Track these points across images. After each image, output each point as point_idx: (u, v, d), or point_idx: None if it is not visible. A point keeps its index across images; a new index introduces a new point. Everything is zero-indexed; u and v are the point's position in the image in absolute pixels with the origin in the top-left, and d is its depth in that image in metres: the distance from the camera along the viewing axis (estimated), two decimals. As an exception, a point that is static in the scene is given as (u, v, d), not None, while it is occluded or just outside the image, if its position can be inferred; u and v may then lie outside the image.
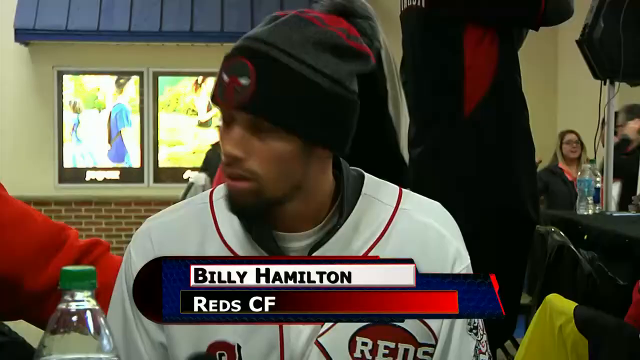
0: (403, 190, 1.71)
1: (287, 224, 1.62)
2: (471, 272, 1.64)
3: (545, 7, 3.30)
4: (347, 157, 1.67)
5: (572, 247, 3.89)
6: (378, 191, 1.67)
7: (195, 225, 1.66)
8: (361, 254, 1.60)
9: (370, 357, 1.59)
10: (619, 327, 2.87)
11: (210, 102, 1.61)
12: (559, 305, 3.00)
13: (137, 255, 1.66)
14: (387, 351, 1.59)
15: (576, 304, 2.96)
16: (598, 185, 4.68)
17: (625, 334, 2.81)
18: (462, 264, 1.64)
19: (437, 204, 1.73)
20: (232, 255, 1.61)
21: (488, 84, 3.34)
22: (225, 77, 1.54)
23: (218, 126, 1.60)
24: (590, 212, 4.62)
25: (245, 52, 1.54)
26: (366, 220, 1.63)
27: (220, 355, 1.61)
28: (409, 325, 1.59)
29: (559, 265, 3.88)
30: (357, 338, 1.59)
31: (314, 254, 1.59)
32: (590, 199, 4.64)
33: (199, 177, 9.70)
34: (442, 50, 3.41)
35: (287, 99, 1.52)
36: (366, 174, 1.69)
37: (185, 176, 11.17)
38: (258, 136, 1.53)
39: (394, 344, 1.59)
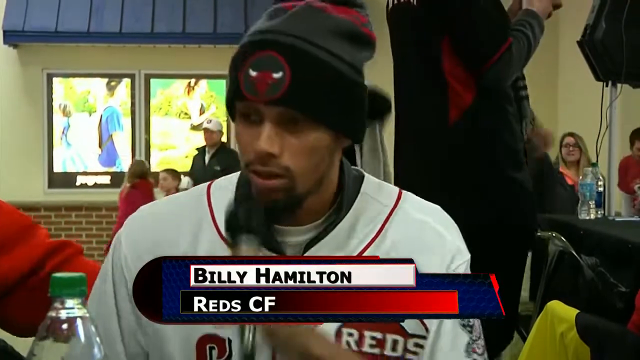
0: (403, 192, 1.71)
1: (292, 218, 1.61)
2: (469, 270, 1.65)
3: (491, 64, 3.25)
4: None
5: (574, 252, 3.84)
6: (377, 191, 1.68)
7: (190, 216, 1.66)
8: (357, 253, 1.61)
9: (356, 349, 1.58)
10: (622, 334, 2.85)
11: (232, 99, 1.56)
12: (561, 312, 3.00)
13: (126, 241, 1.67)
14: (374, 342, 1.59)
15: (578, 311, 2.94)
16: (600, 189, 4.62)
17: (627, 341, 2.80)
18: (462, 258, 1.65)
19: (437, 207, 1.74)
20: (226, 246, 1.57)
21: (472, 94, 3.29)
22: (252, 73, 1.51)
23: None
24: (592, 216, 4.57)
25: (272, 46, 1.52)
26: (363, 219, 1.64)
27: (211, 348, 1.60)
28: None
29: (560, 271, 3.83)
30: (343, 329, 1.58)
31: (309, 250, 1.60)
32: (592, 204, 4.58)
33: (182, 182, 9.75)
34: (426, 51, 3.37)
35: (320, 90, 1.52)
36: (366, 175, 1.70)
37: (177, 181, 11.15)
38: (290, 131, 1.53)
39: (381, 334, 1.59)
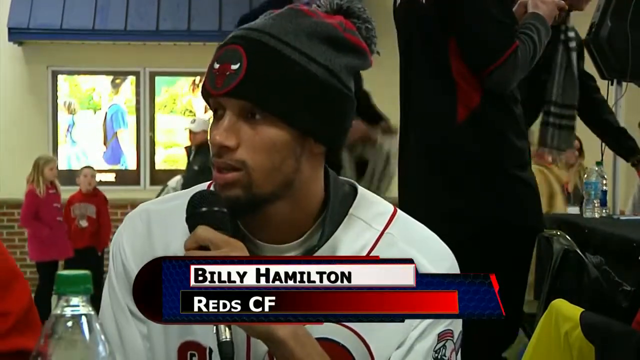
0: (397, 213, 1.65)
1: (265, 232, 1.60)
2: None
3: (496, 67, 3.25)
4: None
5: (579, 251, 3.81)
6: (367, 212, 1.63)
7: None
8: None
9: None
10: (626, 333, 2.84)
11: (201, 96, 1.59)
12: (565, 311, 2.98)
13: (127, 237, 1.67)
14: None
15: (582, 310, 2.92)
16: (605, 188, 4.60)
17: (632, 340, 2.79)
18: None
19: (430, 233, 1.66)
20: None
21: (480, 94, 3.28)
22: (216, 65, 1.53)
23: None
24: (597, 215, 4.55)
25: (237, 40, 1.52)
26: (347, 244, 1.60)
27: (192, 355, 1.60)
28: (354, 348, 1.57)
29: (564, 270, 3.81)
30: None
31: None
32: (596, 202, 4.56)
33: (174, 179, 9.67)
34: (434, 50, 3.39)
35: (278, 85, 1.49)
36: (360, 190, 1.65)
37: (182, 179, 11.16)
38: (249, 124, 1.51)
39: None
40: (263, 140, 1.50)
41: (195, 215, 1.50)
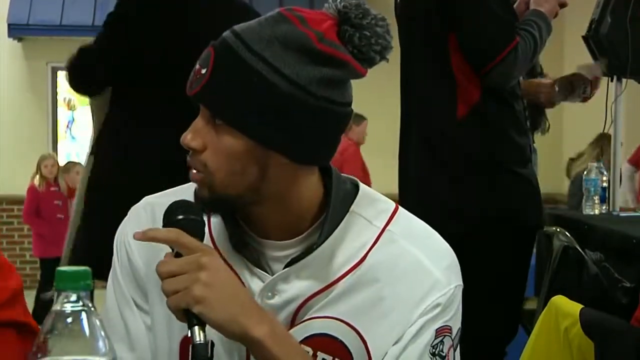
0: (399, 209, 1.65)
1: (265, 230, 1.60)
2: (452, 301, 1.59)
3: (496, 64, 3.25)
4: None
5: (578, 248, 3.81)
6: (368, 209, 1.63)
7: None
8: (340, 274, 1.57)
9: None
10: (626, 330, 2.84)
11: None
12: (565, 308, 2.98)
13: (132, 229, 1.62)
14: None
15: (582, 306, 2.92)
16: (604, 184, 4.60)
17: (631, 336, 2.77)
18: (440, 292, 1.59)
19: (430, 231, 1.67)
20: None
21: (480, 90, 3.28)
22: (197, 66, 1.55)
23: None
24: (597, 212, 4.54)
25: (216, 42, 1.53)
26: (348, 241, 1.59)
27: None
28: (351, 344, 1.57)
29: (564, 266, 3.80)
30: (301, 345, 1.55)
31: (292, 267, 1.57)
32: (596, 199, 4.56)
33: None
34: (434, 46, 3.37)
35: (237, 94, 1.49)
36: (362, 187, 1.64)
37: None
38: (214, 128, 1.51)
39: (331, 357, 1.57)
40: (223, 146, 1.51)
41: (171, 223, 1.51)
